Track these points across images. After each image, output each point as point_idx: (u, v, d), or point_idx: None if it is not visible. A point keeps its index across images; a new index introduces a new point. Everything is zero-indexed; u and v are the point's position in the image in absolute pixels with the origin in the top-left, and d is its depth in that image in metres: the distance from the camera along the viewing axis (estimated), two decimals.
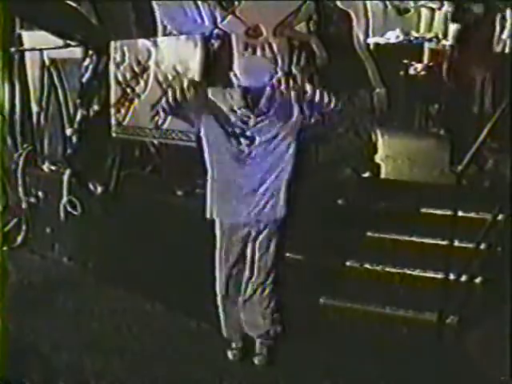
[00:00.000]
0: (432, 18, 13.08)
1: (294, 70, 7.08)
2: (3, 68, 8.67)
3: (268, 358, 5.66)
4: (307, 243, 6.47)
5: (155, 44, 7.04)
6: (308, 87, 5.44)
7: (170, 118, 6.93)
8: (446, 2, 10.86)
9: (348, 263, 6.63)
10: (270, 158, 5.36)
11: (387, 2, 10.34)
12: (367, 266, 6.55)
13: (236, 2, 7.04)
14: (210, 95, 5.49)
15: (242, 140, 5.34)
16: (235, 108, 5.36)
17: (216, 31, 6.81)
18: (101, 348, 5.90)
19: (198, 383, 5.42)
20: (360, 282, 6.46)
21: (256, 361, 5.66)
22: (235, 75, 5.48)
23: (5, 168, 8.69)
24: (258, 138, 5.34)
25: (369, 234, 6.80)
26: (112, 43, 7.41)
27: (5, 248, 8.42)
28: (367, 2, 8.45)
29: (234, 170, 5.39)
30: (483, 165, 7.47)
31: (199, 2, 7.02)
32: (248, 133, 5.34)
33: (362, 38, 8.02)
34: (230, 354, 5.72)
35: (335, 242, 6.60)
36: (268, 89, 5.38)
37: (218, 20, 6.86)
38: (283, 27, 7.02)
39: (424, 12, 13.06)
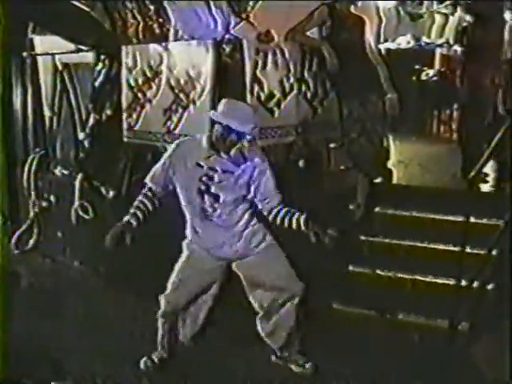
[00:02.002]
0: (445, 24, 13.08)
1: (305, 76, 7.08)
2: (15, 73, 8.70)
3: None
4: (318, 248, 6.46)
5: (167, 49, 7.05)
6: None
7: (182, 122, 6.97)
8: (459, 8, 10.79)
9: (359, 269, 6.63)
10: (234, 217, 5.34)
11: (400, 8, 10.33)
12: (379, 271, 6.54)
13: (249, 8, 7.03)
14: (182, 149, 5.40)
15: (206, 197, 5.28)
16: (201, 161, 5.25)
17: (227, 36, 6.81)
18: (112, 353, 5.89)
19: None
20: (371, 288, 6.45)
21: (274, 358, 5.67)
22: (215, 115, 5.25)
23: (16, 173, 8.72)
24: (222, 196, 5.27)
25: (380, 239, 6.80)
26: (124, 48, 7.43)
27: (16, 252, 8.48)
28: (380, 8, 8.44)
29: (203, 227, 5.38)
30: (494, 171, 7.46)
31: (213, 8, 7.03)
32: (212, 189, 5.26)
33: (373, 43, 8.00)
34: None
35: (347, 248, 6.60)
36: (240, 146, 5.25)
37: (231, 25, 6.86)
38: (295, 32, 7.02)
39: (437, 17, 13.07)
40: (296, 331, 5.56)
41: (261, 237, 5.43)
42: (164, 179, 5.39)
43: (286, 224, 5.31)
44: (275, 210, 5.35)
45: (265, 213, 5.39)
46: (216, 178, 5.23)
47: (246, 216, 5.37)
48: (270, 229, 5.49)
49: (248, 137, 5.20)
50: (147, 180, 5.47)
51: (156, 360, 5.67)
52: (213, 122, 5.23)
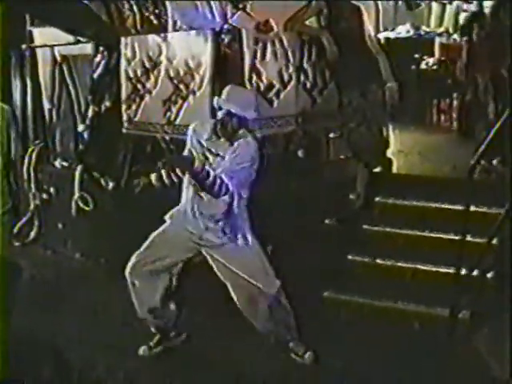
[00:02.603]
0: (443, 13, 13.08)
1: (305, 65, 7.07)
2: (15, 65, 8.70)
3: None
4: (318, 237, 6.48)
5: (165, 39, 7.04)
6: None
7: (181, 113, 6.97)
8: None
9: (359, 258, 6.64)
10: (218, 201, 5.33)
11: None
12: (379, 260, 6.55)
13: None
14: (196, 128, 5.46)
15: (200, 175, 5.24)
16: (203, 141, 5.34)
17: (226, 26, 6.79)
18: (114, 344, 5.91)
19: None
20: (372, 277, 6.46)
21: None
22: (218, 101, 5.31)
23: (16, 165, 8.73)
24: (211, 175, 5.21)
25: (380, 228, 6.80)
26: (122, 39, 7.41)
27: (17, 244, 8.49)
28: None
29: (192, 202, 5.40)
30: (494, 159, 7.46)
31: None
32: (206, 167, 5.22)
33: (372, 32, 7.99)
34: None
35: (347, 237, 6.61)
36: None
37: (229, 15, 6.84)
38: (294, 22, 7.01)
39: (434, 6, 13.07)
40: (293, 322, 5.58)
41: (241, 230, 5.45)
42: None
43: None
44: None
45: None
46: (210, 159, 5.30)
47: (231, 202, 5.36)
48: (253, 225, 5.50)
49: (249, 123, 5.27)
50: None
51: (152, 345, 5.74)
52: (218, 109, 5.29)
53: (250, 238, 5.46)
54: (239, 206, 5.39)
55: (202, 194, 5.30)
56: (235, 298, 5.53)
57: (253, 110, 5.30)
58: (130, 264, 5.64)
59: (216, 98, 5.37)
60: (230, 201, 5.33)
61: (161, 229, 5.59)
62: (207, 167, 5.16)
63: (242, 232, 5.44)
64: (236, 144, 5.26)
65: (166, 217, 5.57)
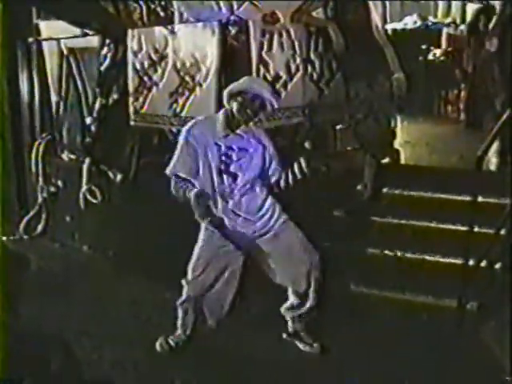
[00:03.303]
0: (450, 3, 13.05)
1: (312, 57, 7.05)
2: (22, 58, 8.71)
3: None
4: (325, 230, 6.47)
5: (172, 32, 7.03)
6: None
7: (188, 105, 6.96)
8: None
9: (368, 249, 6.64)
10: (251, 196, 5.36)
11: None
12: (387, 252, 6.55)
13: None
14: (197, 131, 5.34)
15: (225, 177, 5.28)
16: (219, 141, 5.25)
17: (233, 18, 6.77)
18: (120, 336, 5.94)
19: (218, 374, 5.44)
20: (379, 268, 6.46)
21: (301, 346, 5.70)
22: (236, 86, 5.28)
23: (23, 158, 8.75)
24: (240, 175, 5.28)
25: (388, 220, 6.80)
26: (129, 31, 7.40)
27: (25, 237, 8.52)
28: None
29: (218, 209, 5.37)
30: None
31: None
32: (231, 168, 5.26)
33: (379, 23, 7.95)
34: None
35: (353, 228, 6.61)
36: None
37: (235, 7, 6.83)
38: (300, 13, 6.98)
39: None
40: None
41: (277, 214, 5.45)
42: (191, 164, 5.31)
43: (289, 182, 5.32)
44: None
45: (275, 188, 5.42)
46: (234, 157, 5.25)
47: (262, 195, 5.39)
48: (284, 206, 5.52)
49: (268, 106, 5.26)
50: (169, 172, 5.40)
51: (172, 344, 5.71)
52: (230, 97, 5.24)
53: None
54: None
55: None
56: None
57: (272, 92, 5.30)
58: (184, 294, 5.66)
59: (232, 85, 5.31)
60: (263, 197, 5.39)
61: (200, 244, 5.58)
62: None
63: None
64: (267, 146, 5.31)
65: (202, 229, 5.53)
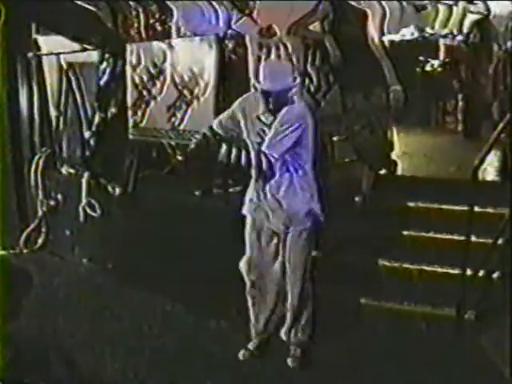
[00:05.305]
0: (449, 15, 13.07)
1: (309, 70, 7.10)
2: (21, 73, 8.74)
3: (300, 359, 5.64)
4: (327, 241, 6.49)
5: (170, 46, 7.09)
6: None
7: (186, 118, 7.01)
8: None
9: (365, 260, 6.65)
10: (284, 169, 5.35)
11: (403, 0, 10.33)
12: (385, 262, 6.56)
13: (251, 3, 7.05)
14: (241, 104, 5.44)
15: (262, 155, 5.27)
16: (260, 115, 5.32)
17: (230, 32, 6.83)
18: (122, 348, 5.94)
19: (218, 382, 5.46)
20: (378, 278, 6.47)
21: (289, 362, 5.60)
22: (258, 81, 5.42)
23: (23, 172, 8.77)
24: (274, 153, 5.25)
25: (386, 230, 6.81)
26: (128, 46, 7.46)
27: (25, 250, 8.54)
28: (384, 1, 8.45)
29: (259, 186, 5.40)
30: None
31: (215, 4, 7.06)
32: (265, 144, 5.26)
33: (376, 35, 8.00)
34: (241, 355, 5.69)
35: (352, 240, 6.62)
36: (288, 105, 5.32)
37: (233, 21, 6.89)
38: (297, 27, 7.04)
39: (441, 8, 13.06)
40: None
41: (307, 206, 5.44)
42: (231, 123, 5.43)
43: None
44: None
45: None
46: (269, 134, 5.27)
47: (290, 181, 5.38)
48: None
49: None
50: (213, 123, 5.50)
51: (252, 349, 5.71)
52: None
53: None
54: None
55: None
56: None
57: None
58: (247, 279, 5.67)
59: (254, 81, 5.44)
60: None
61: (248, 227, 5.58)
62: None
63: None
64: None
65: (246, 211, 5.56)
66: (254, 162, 5.17)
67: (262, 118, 5.31)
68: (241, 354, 5.65)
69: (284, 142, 5.21)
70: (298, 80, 5.41)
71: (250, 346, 5.70)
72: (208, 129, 5.43)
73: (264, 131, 5.29)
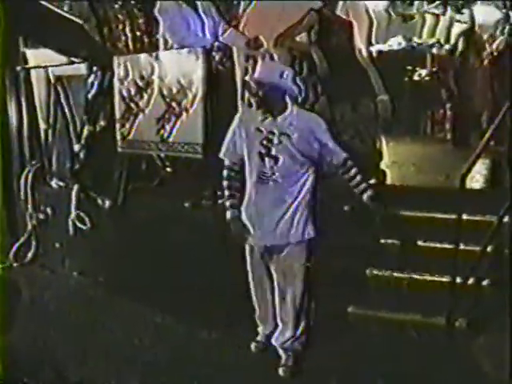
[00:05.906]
0: (436, 24, 13.13)
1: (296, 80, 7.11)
2: (10, 87, 8.74)
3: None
4: (316, 250, 6.50)
5: (157, 58, 7.10)
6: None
7: (175, 130, 7.02)
8: (449, 8, 10.87)
9: (355, 269, 6.65)
10: (291, 180, 5.37)
11: (390, 9, 10.37)
12: (375, 271, 6.57)
13: (238, 15, 7.09)
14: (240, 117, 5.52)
15: (267, 160, 5.33)
16: (260, 126, 5.36)
17: (217, 44, 6.86)
18: (112, 360, 5.94)
19: None
20: (367, 287, 6.48)
21: (281, 371, 5.58)
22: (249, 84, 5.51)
23: (12, 186, 8.76)
24: (281, 158, 5.32)
25: (375, 239, 6.82)
26: (115, 59, 7.47)
27: (15, 264, 8.52)
28: (370, 10, 8.50)
29: (257, 191, 5.40)
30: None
31: (202, 15, 7.09)
32: (273, 151, 5.31)
33: (364, 45, 8.05)
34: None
35: (342, 249, 6.63)
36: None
37: (219, 33, 6.91)
38: (284, 38, 7.07)
39: (428, 18, 13.12)
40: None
41: (303, 224, 5.49)
42: (235, 150, 5.46)
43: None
44: (343, 169, 5.52)
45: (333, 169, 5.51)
46: (275, 140, 5.30)
47: (301, 187, 5.41)
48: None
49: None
50: (222, 156, 5.53)
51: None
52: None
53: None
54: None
55: None
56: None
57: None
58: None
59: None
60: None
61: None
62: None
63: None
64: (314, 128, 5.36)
65: None
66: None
67: (262, 129, 5.35)
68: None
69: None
70: (289, 75, 5.43)
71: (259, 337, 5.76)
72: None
73: (269, 139, 5.33)
